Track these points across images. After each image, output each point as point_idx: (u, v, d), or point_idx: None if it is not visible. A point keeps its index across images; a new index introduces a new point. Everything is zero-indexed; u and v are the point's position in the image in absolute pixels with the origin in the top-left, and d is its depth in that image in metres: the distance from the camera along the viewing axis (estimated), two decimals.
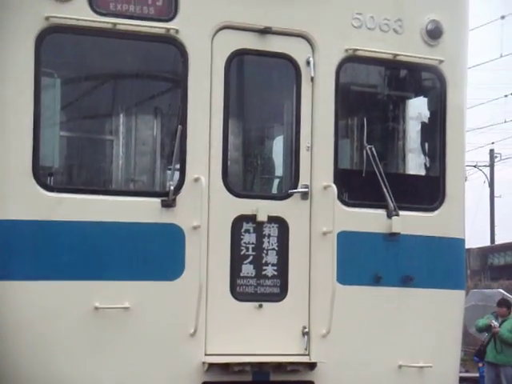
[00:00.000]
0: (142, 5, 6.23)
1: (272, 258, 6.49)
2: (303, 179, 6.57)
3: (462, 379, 8.56)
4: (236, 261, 6.37)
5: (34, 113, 5.96)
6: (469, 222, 7.67)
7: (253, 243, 6.44)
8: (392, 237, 6.75)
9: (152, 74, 6.71)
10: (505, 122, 32.16)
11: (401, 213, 6.75)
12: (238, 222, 6.39)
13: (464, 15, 7.16)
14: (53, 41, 6.02)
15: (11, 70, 5.98)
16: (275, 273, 6.47)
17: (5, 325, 5.92)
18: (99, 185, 6.49)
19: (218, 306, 6.29)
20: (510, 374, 13.16)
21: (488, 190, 38.66)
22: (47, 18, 6.00)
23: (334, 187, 6.51)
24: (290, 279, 6.49)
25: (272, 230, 6.50)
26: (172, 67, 6.56)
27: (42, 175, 6.03)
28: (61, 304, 5.95)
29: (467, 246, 7.44)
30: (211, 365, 6.17)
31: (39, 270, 5.92)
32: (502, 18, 21.42)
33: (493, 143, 37.64)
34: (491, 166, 38.52)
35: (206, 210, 6.25)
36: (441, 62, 6.94)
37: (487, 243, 36.65)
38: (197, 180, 6.23)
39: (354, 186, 6.85)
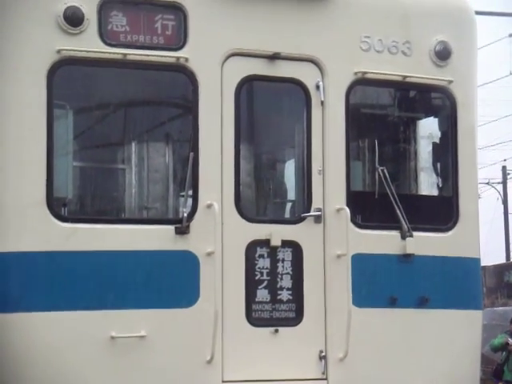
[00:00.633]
0: (152, 35, 6.28)
1: (287, 282, 6.47)
2: (316, 203, 6.58)
3: None
4: (251, 286, 6.37)
5: (47, 144, 6.01)
6: (483, 239, 7.65)
7: (267, 268, 6.43)
8: (406, 258, 6.73)
9: (163, 102, 6.77)
10: None
11: (415, 234, 6.74)
12: (252, 247, 6.40)
13: (472, 35, 7.18)
14: (64, 73, 6.09)
15: (24, 103, 6.04)
16: (290, 297, 6.46)
17: (20, 357, 5.93)
18: (113, 214, 6.52)
19: (234, 331, 6.28)
20: None
21: (502, 206, 38.51)
22: (59, 51, 6.06)
23: (347, 210, 6.52)
24: (305, 303, 6.48)
25: (286, 255, 6.49)
26: (182, 95, 6.61)
27: (56, 206, 6.07)
28: (77, 335, 5.95)
29: (482, 263, 7.42)
30: None
31: (54, 301, 5.94)
32: (511, 35, 21.46)
33: (505, 160, 37.56)
34: (504, 182, 38.40)
35: (220, 235, 6.26)
36: (450, 82, 6.95)
37: (503, 260, 36.42)
38: (210, 206, 6.25)
39: (367, 208, 6.85)
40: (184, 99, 6.61)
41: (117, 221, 6.30)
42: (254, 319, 6.37)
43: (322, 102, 6.61)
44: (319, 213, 6.56)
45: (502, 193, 38.57)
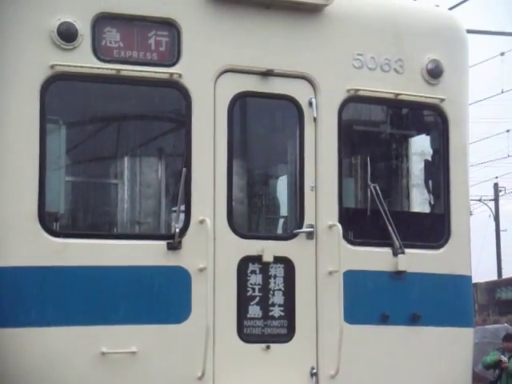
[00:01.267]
0: (146, 51, 6.30)
1: (279, 298, 6.47)
2: (308, 219, 6.59)
3: None
4: (242, 302, 6.36)
5: (40, 159, 6.01)
6: (475, 256, 7.66)
7: (259, 284, 6.43)
8: (398, 275, 6.74)
9: (156, 118, 6.78)
10: (508, 156, 32.21)
11: (406, 251, 6.75)
12: (244, 263, 6.40)
13: (464, 54, 7.23)
14: (58, 88, 6.09)
15: (17, 118, 6.04)
16: (282, 313, 6.45)
17: (11, 372, 5.89)
18: (105, 229, 6.51)
19: (226, 348, 6.27)
20: None
21: (493, 223, 38.60)
22: (52, 67, 6.07)
23: (339, 226, 6.53)
24: (297, 320, 6.47)
25: (278, 271, 6.49)
26: (176, 111, 6.62)
27: (48, 221, 6.06)
28: (67, 350, 5.93)
29: (474, 280, 7.43)
30: None
31: (45, 317, 5.91)
32: (502, 54, 21.60)
33: (497, 177, 37.69)
34: (496, 199, 38.52)
35: (212, 251, 6.26)
36: (442, 100, 6.99)
37: (494, 277, 36.46)
38: (202, 222, 6.25)
39: (359, 225, 6.87)
40: (177, 115, 6.62)
41: (109, 236, 6.30)
42: (245, 335, 6.36)
43: (315, 119, 6.63)
44: (311, 229, 6.57)
45: (493, 210, 38.70)
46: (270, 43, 6.58)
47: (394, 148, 7.25)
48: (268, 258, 6.43)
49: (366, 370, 6.57)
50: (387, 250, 6.74)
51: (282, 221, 7.20)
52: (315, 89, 6.66)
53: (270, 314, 6.43)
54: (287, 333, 6.46)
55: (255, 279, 6.43)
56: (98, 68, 6.15)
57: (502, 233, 38.51)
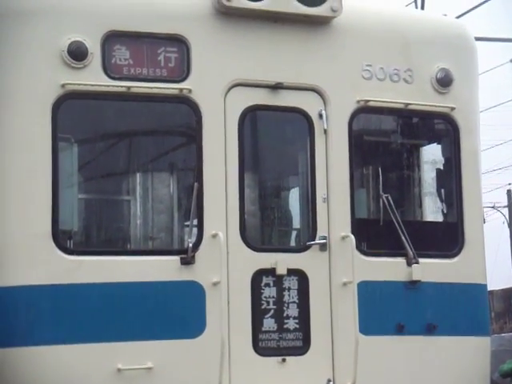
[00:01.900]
0: (155, 67, 6.33)
1: (293, 311, 6.46)
2: (321, 230, 6.59)
3: None
4: (257, 315, 6.35)
5: (53, 178, 6.04)
6: (490, 263, 7.63)
7: (273, 297, 6.42)
8: (413, 285, 6.72)
9: (166, 134, 6.80)
10: None
11: (420, 260, 6.73)
12: (258, 276, 6.39)
13: (473, 62, 7.22)
14: (69, 107, 6.13)
15: (29, 138, 6.08)
16: (297, 326, 6.44)
17: None
18: (118, 245, 6.53)
19: (241, 361, 6.26)
20: None
21: (507, 230, 38.40)
22: (63, 86, 6.11)
23: (352, 237, 6.52)
24: (312, 332, 6.45)
25: (292, 283, 6.49)
26: (186, 126, 6.64)
27: (62, 239, 6.08)
28: (84, 367, 5.94)
29: (489, 287, 7.40)
30: None
31: (61, 335, 5.92)
32: (511, 61, 21.58)
33: (510, 184, 37.50)
34: (509, 206, 38.31)
35: (226, 265, 6.26)
36: (452, 109, 6.99)
37: (510, 284, 36.23)
38: (215, 236, 6.26)
39: (372, 235, 6.85)
40: (188, 130, 6.64)
41: (122, 252, 6.31)
42: (260, 349, 6.35)
43: (325, 131, 6.64)
44: (324, 241, 6.56)
45: (507, 216, 38.49)
46: (278, 56, 6.60)
47: (405, 157, 7.24)
48: (281, 270, 6.42)
49: (382, 381, 6.54)
50: (401, 260, 6.72)
51: (294, 233, 7.20)
52: (325, 101, 6.67)
53: (285, 326, 6.42)
54: (302, 345, 6.45)
55: (269, 292, 6.42)
56: (109, 86, 6.18)
57: None
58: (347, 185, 6.67)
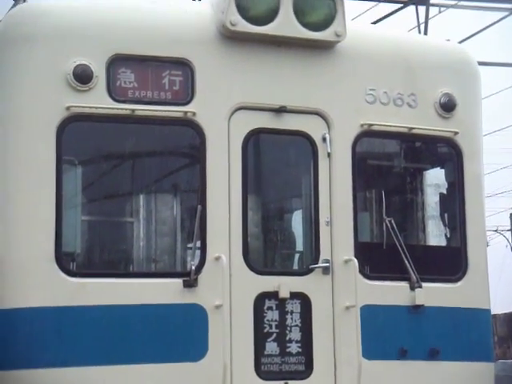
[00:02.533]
0: (160, 90, 6.36)
1: (296, 334, 6.44)
2: (324, 254, 6.58)
3: None
4: (260, 339, 6.33)
5: (56, 200, 6.05)
6: (493, 287, 7.62)
7: (276, 320, 6.40)
8: (416, 309, 6.70)
9: (170, 157, 6.83)
10: None
11: (424, 284, 6.71)
12: (261, 300, 6.38)
13: (476, 86, 7.25)
14: (73, 129, 6.16)
15: (33, 160, 6.10)
16: (300, 350, 6.42)
17: None
18: (121, 267, 6.52)
19: None
20: None
21: (511, 253, 38.30)
22: (68, 108, 6.14)
23: (355, 261, 6.51)
24: (314, 356, 6.43)
25: (295, 307, 6.47)
26: (190, 148, 6.67)
27: (65, 261, 6.08)
28: None
29: (493, 311, 7.38)
30: None
31: (63, 357, 5.91)
32: None
33: None
34: None
35: (228, 288, 6.25)
36: (456, 133, 7.00)
37: None
38: (218, 259, 6.25)
39: (376, 259, 6.84)
40: (191, 152, 6.67)
41: (125, 275, 6.31)
42: (263, 372, 6.32)
43: (329, 154, 6.65)
44: (327, 264, 6.56)
45: (510, 240, 38.41)
46: (282, 80, 6.63)
47: (408, 181, 7.25)
48: (284, 294, 6.41)
49: None
50: (404, 284, 6.71)
51: (297, 256, 7.19)
52: (328, 124, 6.69)
53: (288, 350, 6.39)
54: (305, 369, 6.42)
55: (272, 315, 6.40)
56: (113, 108, 6.21)
57: None
58: (350, 208, 6.67)
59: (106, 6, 6.52)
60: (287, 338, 6.41)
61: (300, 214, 7.09)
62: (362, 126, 6.77)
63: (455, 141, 7.02)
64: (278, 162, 7.00)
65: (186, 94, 6.43)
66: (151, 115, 6.31)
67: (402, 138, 7.01)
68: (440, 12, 15.54)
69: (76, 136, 6.24)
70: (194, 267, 6.25)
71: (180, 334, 6.14)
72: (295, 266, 7.12)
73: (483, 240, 7.22)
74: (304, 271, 6.61)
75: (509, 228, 38.37)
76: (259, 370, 6.32)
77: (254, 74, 6.56)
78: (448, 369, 6.70)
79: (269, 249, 6.95)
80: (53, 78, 6.16)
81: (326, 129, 6.68)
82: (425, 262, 6.86)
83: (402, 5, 15.92)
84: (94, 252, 6.50)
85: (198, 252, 6.36)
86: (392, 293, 6.66)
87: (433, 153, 7.26)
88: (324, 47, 6.71)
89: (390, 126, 6.82)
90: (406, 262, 6.71)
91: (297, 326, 6.45)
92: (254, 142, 6.64)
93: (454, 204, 7.11)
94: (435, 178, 7.31)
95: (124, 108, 6.24)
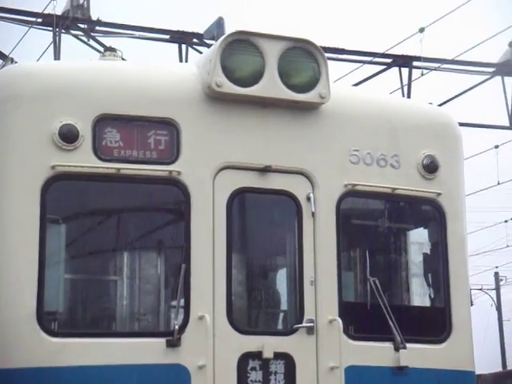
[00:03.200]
0: (145, 150, 6.40)
1: None
2: (308, 313, 6.56)
3: None
4: None
5: (39, 259, 6.02)
6: (478, 347, 7.59)
7: (259, 381, 6.34)
8: (400, 370, 6.65)
9: (155, 215, 6.83)
10: (507, 246, 32.18)
11: (408, 345, 6.68)
12: (244, 360, 6.32)
13: (458, 148, 7.35)
14: (58, 188, 6.16)
15: (17, 219, 6.09)
16: None
17: None
18: (103, 327, 6.47)
19: None
20: None
21: (496, 313, 38.25)
22: (53, 167, 6.16)
23: (340, 321, 6.49)
24: None
25: (279, 367, 6.41)
26: (175, 207, 6.68)
27: (46, 321, 6.02)
28: None
29: (478, 371, 7.33)
30: None
31: None
32: (496, 147, 21.99)
33: (497, 267, 37.55)
34: (497, 289, 38.27)
35: (212, 348, 6.20)
36: (438, 194, 7.06)
37: (499, 367, 35.85)
38: (201, 318, 6.22)
39: (360, 319, 6.82)
40: (176, 211, 6.68)
41: (108, 334, 6.25)
42: None
43: (313, 214, 6.68)
44: (311, 324, 6.53)
45: (495, 299, 38.40)
46: (267, 140, 6.69)
47: (392, 241, 7.28)
48: (268, 354, 6.36)
49: None
50: (389, 345, 6.68)
51: (281, 315, 7.16)
52: (313, 184, 6.74)
53: None
54: None
55: (255, 376, 6.34)
56: (98, 167, 6.23)
57: (504, 322, 38.10)
58: (335, 267, 6.68)
59: (92, 67, 6.60)
60: None
61: (284, 272, 7.08)
62: (346, 185, 6.82)
63: (438, 202, 7.08)
64: (263, 221, 7.02)
65: (172, 154, 6.48)
66: (136, 174, 6.33)
67: (385, 198, 7.06)
68: (422, 75, 15.84)
69: (61, 195, 6.24)
70: (177, 326, 6.20)
71: None
72: (279, 326, 7.09)
73: (467, 300, 7.21)
74: (288, 331, 6.57)
75: (493, 287, 38.40)
76: None
77: (239, 134, 6.62)
78: None
79: (253, 308, 6.92)
80: (39, 138, 6.19)
81: (311, 188, 6.73)
82: (409, 322, 6.84)
83: (385, 66, 16.23)
84: (77, 311, 6.45)
85: (181, 311, 6.32)
86: (376, 353, 6.63)
87: (416, 213, 7.31)
88: (308, 108, 6.80)
89: (374, 186, 6.88)
90: (391, 322, 6.69)
91: None
92: (239, 200, 6.67)
93: (437, 264, 7.13)
94: (419, 238, 7.34)
95: (109, 167, 6.27)
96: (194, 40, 15.21)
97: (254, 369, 6.35)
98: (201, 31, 14.28)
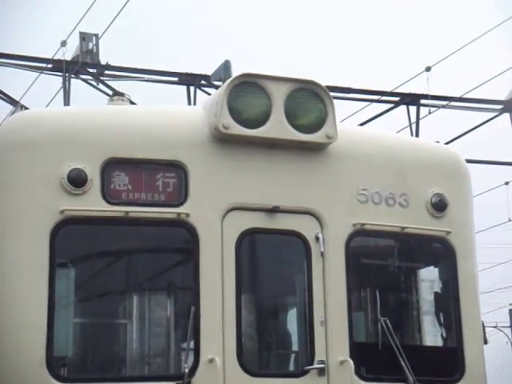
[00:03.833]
0: (154, 192, 6.43)
1: None
2: (319, 355, 6.50)
3: None
4: None
5: (49, 304, 6.02)
6: None
7: None
8: None
9: (164, 257, 6.82)
10: None
11: None
12: None
13: (467, 186, 7.34)
14: (67, 232, 6.19)
15: (26, 263, 6.10)
16: None
17: None
18: (113, 371, 6.43)
19: None
20: None
21: (511, 350, 37.73)
22: (62, 212, 6.19)
23: (351, 362, 6.43)
24: None
25: None
26: (183, 249, 6.67)
27: (56, 366, 5.99)
28: None
29: None
30: None
31: None
32: (506, 183, 21.96)
33: (511, 304, 37.13)
34: None
35: None
36: (448, 233, 7.03)
37: None
38: (211, 361, 6.17)
39: (371, 360, 6.75)
40: (185, 253, 6.67)
41: (118, 379, 6.22)
42: None
43: (322, 254, 6.66)
44: (323, 365, 6.47)
45: (510, 336, 37.92)
46: (275, 181, 6.70)
47: (402, 280, 7.23)
48: None
49: None
50: None
51: (292, 356, 7.10)
52: (321, 224, 6.73)
53: None
54: None
55: None
56: (107, 211, 6.25)
57: None
58: (345, 308, 6.63)
59: (100, 112, 6.66)
60: None
61: (294, 313, 7.04)
62: (354, 225, 6.80)
63: (448, 240, 7.04)
64: (272, 262, 7.00)
65: (180, 196, 6.49)
66: (145, 217, 6.35)
67: (394, 237, 7.03)
68: (430, 113, 15.88)
69: (70, 239, 6.25)
70: (187, 370, 6.15)
71: None
72: (290, 367, 7.02)
73: (480, 339, 7.13)
74: (299, 373, 6.52)
75: (509, 324, 37.94)
76: None
77: (246, 175, 6.64)
78: None
79: (263, 349, 6.87)
80: (48, 182, 6.23)
81: (319, 228, 6.71)
82: (421, 362, 6.77)
83: (393, 105, 16.29)
84: (86, 355, 6.41)
85: (191, 353, 6.27)
86: None
87: (426, 252, 7.27)
88: (316, 149, 6.82)
89: (383, 225, 6.86)
90: (403, 362, 6.62)
91: None
92: (248, 241, 6.66)
93: (448, 303, 7.07)
94: (429, 277, 7.29)
95: (118, 210, 6.28)
96: (203, 82, 15.33)
97: None
98: (209, 73, 14.41)
